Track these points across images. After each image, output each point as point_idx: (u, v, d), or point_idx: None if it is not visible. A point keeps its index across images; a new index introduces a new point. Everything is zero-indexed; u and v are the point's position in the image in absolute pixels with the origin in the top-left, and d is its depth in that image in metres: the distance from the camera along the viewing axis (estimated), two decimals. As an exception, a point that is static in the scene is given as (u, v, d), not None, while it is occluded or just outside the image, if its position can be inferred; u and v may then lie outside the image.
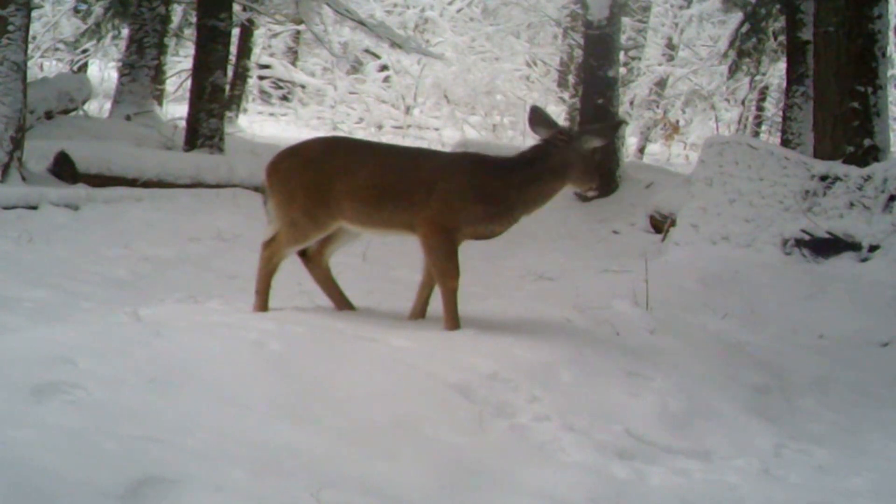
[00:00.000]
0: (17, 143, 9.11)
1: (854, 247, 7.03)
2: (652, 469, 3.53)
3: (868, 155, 7.75)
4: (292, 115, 22.90)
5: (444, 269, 4.50)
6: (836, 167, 7.48)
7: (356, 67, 24.57)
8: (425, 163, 4.66)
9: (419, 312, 4.72)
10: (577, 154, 4.49)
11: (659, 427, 3.90)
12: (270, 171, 4.73)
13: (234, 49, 16.84)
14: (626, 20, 17.26)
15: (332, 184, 4.54)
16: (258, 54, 21.79)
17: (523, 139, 22.92)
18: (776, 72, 17.67)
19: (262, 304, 4.82)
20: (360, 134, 22.34)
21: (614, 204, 12.83)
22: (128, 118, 14.12)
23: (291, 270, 7.49)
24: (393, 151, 5.05)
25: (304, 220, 4.63)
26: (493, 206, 4.53)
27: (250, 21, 18.00)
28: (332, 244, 4.88)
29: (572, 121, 21.48)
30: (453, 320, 4.49)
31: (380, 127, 22.91)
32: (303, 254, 4.87)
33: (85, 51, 17.79)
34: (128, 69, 14.70)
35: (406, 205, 4.51)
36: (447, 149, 20.05)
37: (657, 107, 22.06)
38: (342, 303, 4.86)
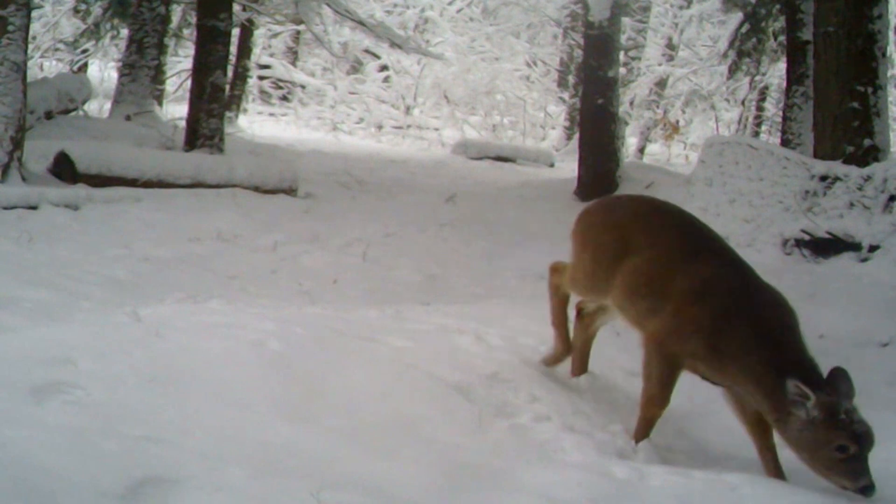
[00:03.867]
0: (17, 143, 9.11)
1: (854, 247, 7.02)
2: (652, 469, 3.53)
3: (868, 155, 7.74)
4: (292, 115, 22.91)
5: (651, 396, 3.85)
6: (836, 167, 7.48)
7: (356, 67, 24.58)
8: (692, 267, 3.88)
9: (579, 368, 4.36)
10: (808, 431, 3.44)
11: (659, 427, 3.90)
12: (580, 217, 4.42)
13: (234, 49, 16.83)
14: (626, 20, 17.25)
15: (622, 255, 4.03)
16: (258, 54, 21.80)
17: (523, 139, 22.93)
18: (776, 72, 17.68)
19: (564, 340, 4.39)
20: (360, 134, 22.37)
21: (614, 204, 12.77)
22: (128, 118, 14.13)
23: (291, 270, 7.51)
24: (678, 239, 4.07)
25: (582, 278, 4.30)
26: (711, 352, 3.71)
27: (250, 21, 18.00)
28: (606, 314, 4.40)
29: (572, 121, 21.53)
30: (641, 437, 3.88)
31: (380, 127, 22.93)
32: (578, 307, 4.47)
33: (85, 51, 17.78)
34: (128, 69, 14.71)
35: (656, 308, 3.86)
36: (447, 149, 20.09)
37: (657, 107, 22.07)
38: (579, 370, 4.48)
